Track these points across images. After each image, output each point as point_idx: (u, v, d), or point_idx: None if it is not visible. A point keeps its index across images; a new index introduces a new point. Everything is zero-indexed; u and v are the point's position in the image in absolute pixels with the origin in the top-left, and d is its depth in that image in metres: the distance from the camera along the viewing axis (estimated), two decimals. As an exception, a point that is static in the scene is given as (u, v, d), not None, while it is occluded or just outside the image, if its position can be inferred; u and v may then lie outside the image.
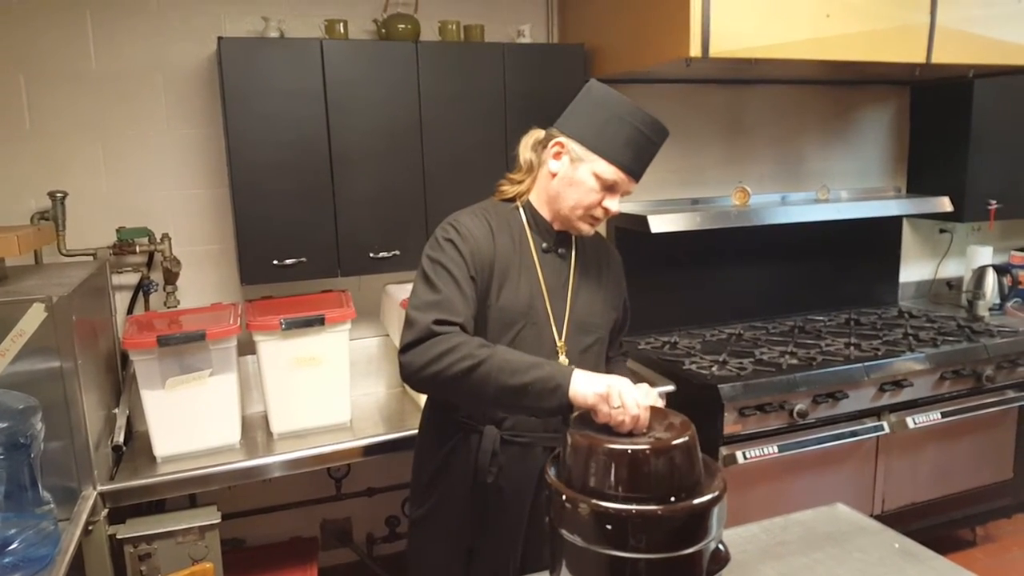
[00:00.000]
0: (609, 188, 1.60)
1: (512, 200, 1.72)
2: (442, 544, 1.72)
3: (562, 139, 1.62)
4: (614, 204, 1.62)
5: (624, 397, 1.30)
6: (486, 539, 1.66)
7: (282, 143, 2.34)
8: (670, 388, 2.64)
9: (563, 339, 1.66)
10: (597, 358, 1.73)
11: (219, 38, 2.27)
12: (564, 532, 1.20)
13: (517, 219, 1.69)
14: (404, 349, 1.50)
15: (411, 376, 1.50)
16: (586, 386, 1.36)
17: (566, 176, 1.61)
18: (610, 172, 1.57)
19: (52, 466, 1.79)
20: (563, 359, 1.64)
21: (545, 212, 1.68)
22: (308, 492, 2.81)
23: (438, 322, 1.48)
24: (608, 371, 1.81)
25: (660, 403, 1.46)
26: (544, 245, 1.69)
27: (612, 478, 1.16)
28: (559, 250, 1.70)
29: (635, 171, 1.61)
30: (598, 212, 1.62)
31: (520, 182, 1.71)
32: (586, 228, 1.66)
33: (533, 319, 1.63)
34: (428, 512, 1.74)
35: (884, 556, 1.59)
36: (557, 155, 1.62)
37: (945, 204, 3.34)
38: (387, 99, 2.44)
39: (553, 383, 1.39)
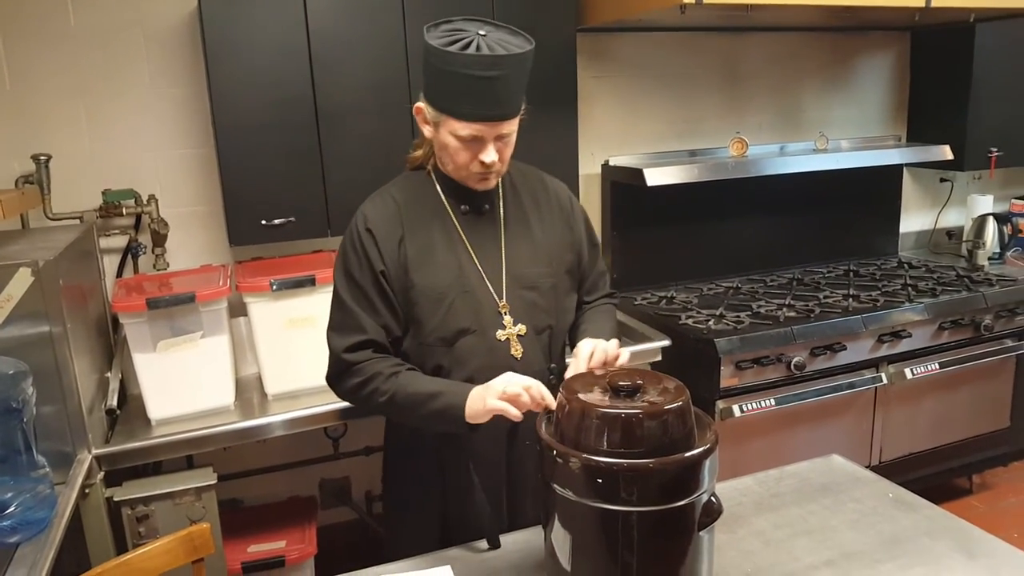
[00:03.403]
0: (476, 141, 1.48)
1: (424, 167, 1.65)
2: (417, 522, 1.68)
3: (420, 104, 1.54)
4: (490, 155, 1.49)
5: (509, 389, 1.36)
6: (466, 511, 1.60)
7: (267, 100, 2.29)
8: (665, 343, 2.62)
9: (504, 298, 1.59)
10: (548, 312, 1.64)
11: (199, -9, 2.21)
12: (556, 486, 1.19)
13: (430, 187, 1.62)
14: (327, 380, 1.60)
15: (349, 402, 1.60)
16: (480, 407, 1.40)
17: (436, 141, 1.55)
18: (463, 129, 1.46)
19: (46, 431, 1.79)
20: (507, 319, 1.59)
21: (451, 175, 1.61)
22: (305, 452, 2.82)
23: (348, 349, 1.52)
24: (582, 321, 1.72)
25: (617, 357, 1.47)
26: (463, 207, 1.61)
27: (604, 442, 1.15)
28: (483, 207, 1.63)
29: (488, 115, 1.45)
30: (476, 167, 1.51)
31: (420, 148, 1.65)
32: (480, 186, 1.56)
33: (464, 287, 1.56)
34: (399, 493, 1.72)
35: (878, 505, 1.59)
36: (424, 121, 1.55)
37: (946, 152, 3.30)
38: (372, 51, 2.37)
39: (449, 415, 1.44)
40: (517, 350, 1.59)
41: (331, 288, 2.27)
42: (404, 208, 1.59)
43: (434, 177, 1.63)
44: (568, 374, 1.41)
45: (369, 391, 1.50)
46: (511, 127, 1.51)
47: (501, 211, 1.65)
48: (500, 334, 1.58)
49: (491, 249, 1.61)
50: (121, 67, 2.46)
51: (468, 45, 1.41)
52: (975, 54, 3.31)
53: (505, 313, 1.59)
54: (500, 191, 1.66)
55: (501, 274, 1.60)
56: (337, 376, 1.55)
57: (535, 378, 1.57)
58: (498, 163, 1.52)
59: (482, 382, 1.47)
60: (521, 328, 1.60)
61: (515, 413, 1.35)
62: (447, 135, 1.50)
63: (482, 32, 1.44)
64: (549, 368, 1.66)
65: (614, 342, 1.49)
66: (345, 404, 2.25)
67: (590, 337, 1.53)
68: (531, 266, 1.63)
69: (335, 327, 1.56)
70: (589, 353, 1.45)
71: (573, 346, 1.70)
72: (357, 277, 1.54)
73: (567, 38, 2.60)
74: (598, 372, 1.40)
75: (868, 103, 3.61)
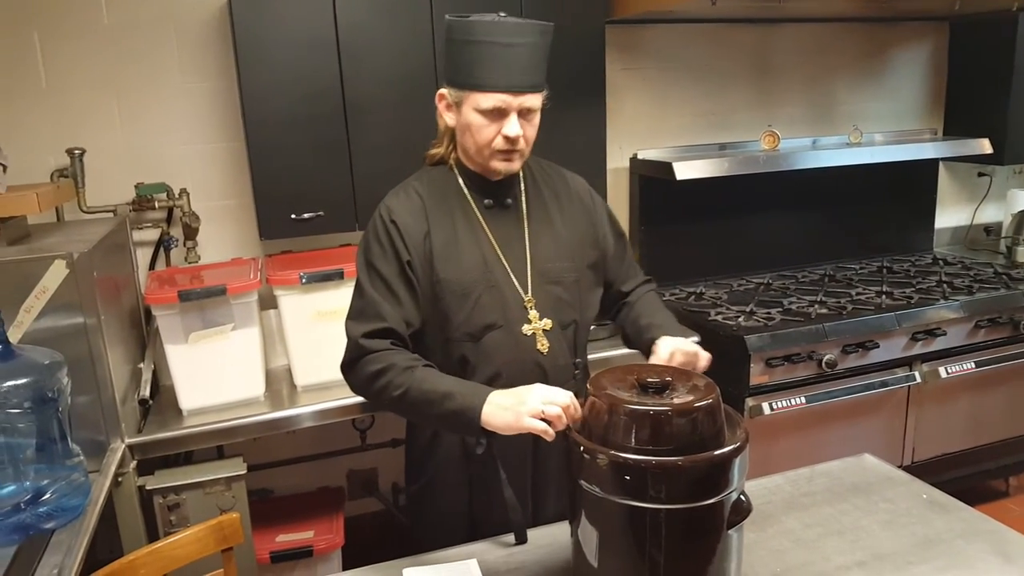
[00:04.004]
0: (498, 115, 1.48)
1: (444, 162, 1.64)
2: (443, 517, 1.68)
3: (442, 90, 1.55)
4: (513, 129, 1.48)
5: (549, 411, 1.25)
6: (491, 507, 1.59)
7: (296, 94, 2.30)
8: (694, 339, 2.58)
9: (529, 293, 1.58)
10: (573, 307, 1.64)
11: (229, -14, 2.23)
12: (583, 483, 1.18)
13: (453, 181, 1.61)
14: (341, 368, 1.53)
15: (361, 395, 1.53)
16: (510, 420, 1.30)
17: (459, 124, 1.54)
18: (486, 100, 1.46)
19: (80, 420, 1.82)
20: (533, 313, 1.58)
21: (474, 167, 1.60)
22: (334, 443, 2.84)
23: (367, 335, 1.48)
24: (638, 314, 1.68)
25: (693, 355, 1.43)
26: (487, 201, 1.60)
27: (633, 438, 1.14)
28: (506, 201, 1.62)
29: (511, 84, 1.46)
30: (500, 143, 1.50)
31: (438, 145, 1.65)
32: (503, 166, 1.54)
33: (491, 282, 1.55)
34: (423, 488, 1.71)
35: (911, 507, 1.57)
36: (447, 107, 1.56)
37: (984, 146, 3.23)
38: (400, 44, 2.37)
39: (463, 419, 1.36)
40: (543, 345, 1.58)
41: (359, 281, 2.31)
42: (428, 202, 1.58)
43: (456, 171, 1.62)
44: None
45: (383, 383, 1.44)
46: (534, 102, 1.50)
47: (524, 205, 1.64)
48: (526, 329, 1.57)
49: (515, 243, 1.61)
50: (153, 62, 2.49)
51: (495, 19, 1.45)
52: (1017, 44, 3.23)
53: (531, 308, 1.58)
54: (522, 185, 1.65)
55: (526, 268, 1.59)
56: (351, 363, 1.50)
57: (561, 373, 1.57)
58: (522, 141, 1.51)
59: (508, 376, 1.46)
60: (547, 323, 1.59)
61: (552, 435, 1.26)
62: (470, 112, 1.50)
63: (502, 13, 1.47)
64: (574, 363, 1.65)
65: (693, 344, 1.46)
66: (373, 397, 2.29)
67: (667, 335, 1.49)
68: (555, 260, 1.62)
69: (354, 315, 1.53)
70: (669, 354, 1.42)
71: (629, 340, 1.69)
72: (380, 267, 1.53)
73: (596, 30, 2.58)
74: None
75: (904, 96, 3.54)
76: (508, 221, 1.62)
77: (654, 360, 1.45)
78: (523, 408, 1.28)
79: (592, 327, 1.74)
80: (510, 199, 1.63)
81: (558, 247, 1.63)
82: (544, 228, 1.64)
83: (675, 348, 1.44)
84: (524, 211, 1.63)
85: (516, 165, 1.57)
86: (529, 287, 1.59)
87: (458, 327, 1.55)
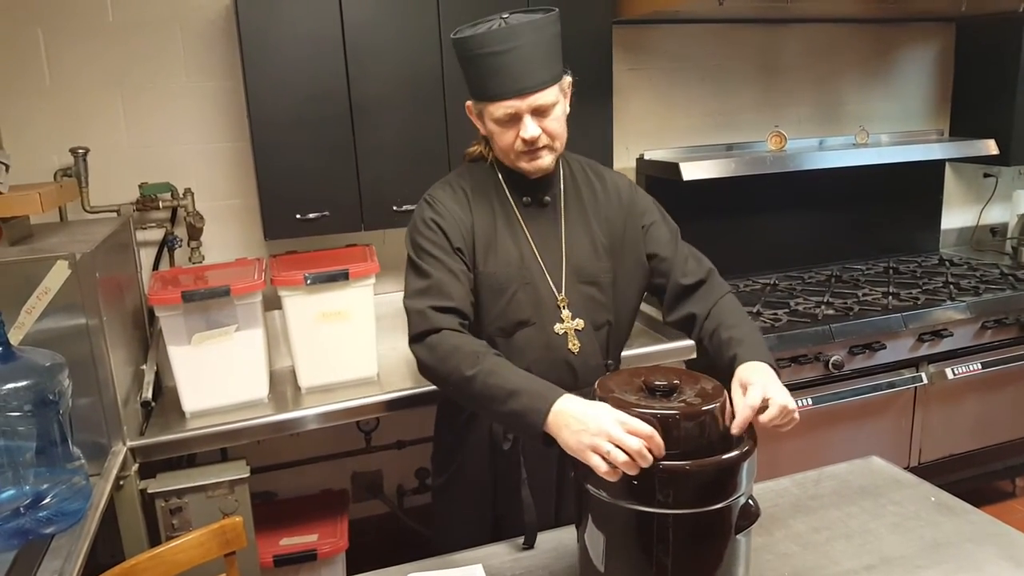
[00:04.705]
0: (514, 120, 1.50)
1: (484, 159, 1.66)
2: (466, 512, 1.68)
3: (468, 103, 1.59)
4: (529, 130, 1.49)
5: (617, 456, 1.10)
6: (514, 505, 1.57)
7: (302, 94, 2.29)
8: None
9: (563, 292, 1.59)
10: (607, 308, 1.63)
11: (234, -15, 2.21)
12: (590, 487, 1.17)
13: (493, 178, 1.63)
14: (410, 341, 1.48)
15: (425, 375, 1.47)
16: (572, 442, 1.18)
17: (487, 132, 1.57)
18: (497, 110, 1.49)
19: (82, 422, 1.81)
20: (566, 313, 1.58)
21: (511, 165, 1.61)
22: (338, 445, 2.83)
23: (434, 308, 1.45)
24: (718, 325, 1.53)
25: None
26: (526, 199, 1.62)
27: None
28: (544, 200, 1.63)
29: (513, 89, 1.46)
30: (520, 146, 1.51)
31: (477, 144, 1.68)
32: (531, 167, 1.55)
33: (527, 279, 1.57)
34: (448, 481, 1.71)
35: (920, 510, 1.55)
36: (476, 119, 1.59)
37: (990, 147, 3.22)
38: (407, 45, 2.36)
39: (526, 422, 1.27)
40: (574, 344, 1.58)
41: (363, 283, 2.32)
42: (471, 196, 1.60)
43: (496, 168, 1.64)
44: (733, 426, 1.21)
45: (455, 364, 1.38)
46: (545, 98, 1.49)
47: (562, 204, 1.65)
48: (558, 328, 1.58)
49: (551, 242, 1.61)
50: (158, 61, 2.48)
51: (488, 29, 1.46)
52: (1023, 45, 3.21)
53: (564, 307, 1.59)
54: (561, 185, 1.66)
55: (561, 267, 1.60)
56: (421, 336, 1.45)
57: (591, 373, 1.56)
58: (544, 138, 1.51)
59: (537, 373, 1.44)
60: (579, 323, 1.59)
61: (616, 477, 1.12)
62: (490, 122, 1.53)
63: (504, 15, 1.47)
64: (605, 364, 1.65)
65: (787, 396, 1.31)
66: (378, 398, 2.28)
67: (748, 357, 1.40)
68: (591, 260, 1.63)
69: (415, 295, 1.49)
70: (761, 402, 1.26)
71: (711, 349, 1.54)
72: (434, 251, 1.52)
73: (603, 30, 2.57)
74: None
75: (910, 96, 3.52)
76: (545, 219, 1.63)
77: (740, 406, 1.24)
78: (587, 440, 1.14)
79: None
80: (548, 198, 1.64)
81: (594, 247, 1.64)
82: (581, 228, 1.64)
83: (769, 399, 1.27)
84: (562, 210, 1.64)
85: (546, 161, 1.56)
86: (563, 286, 1.60)
87: (492, 322, 1.57)
